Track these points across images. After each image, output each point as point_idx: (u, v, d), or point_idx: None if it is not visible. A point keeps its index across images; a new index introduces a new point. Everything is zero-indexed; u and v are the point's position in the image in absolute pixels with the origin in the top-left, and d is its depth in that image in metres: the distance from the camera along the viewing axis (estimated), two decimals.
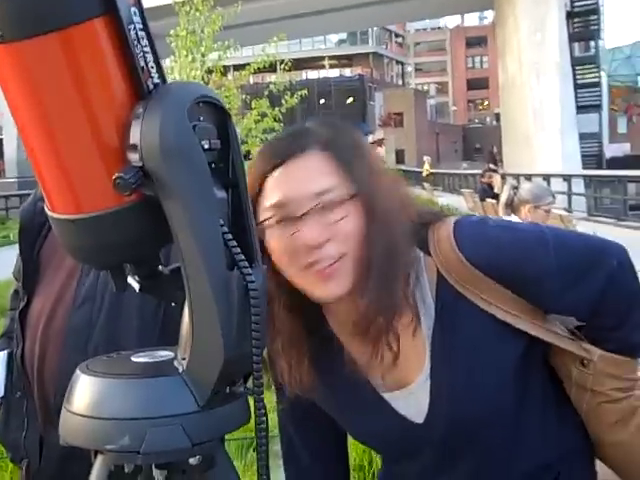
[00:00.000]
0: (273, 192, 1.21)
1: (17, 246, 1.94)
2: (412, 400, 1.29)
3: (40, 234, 1.90)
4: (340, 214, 1.18)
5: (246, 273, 0.92)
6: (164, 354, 1.02)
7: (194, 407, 0.92)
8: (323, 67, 58.30)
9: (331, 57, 59.68)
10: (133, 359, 1.01)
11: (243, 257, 0.93)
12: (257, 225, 1.16)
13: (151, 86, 0.93)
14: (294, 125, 1.33)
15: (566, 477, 1.34)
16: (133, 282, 1.05)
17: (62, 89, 0.91)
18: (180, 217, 0.91)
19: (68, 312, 1.78)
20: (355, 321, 1.25)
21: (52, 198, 0.99)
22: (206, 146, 0.93)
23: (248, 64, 8.85)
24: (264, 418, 0.94)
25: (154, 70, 0.93)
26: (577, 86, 28.60)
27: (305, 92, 8.36)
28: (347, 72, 57.11)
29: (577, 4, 30.19)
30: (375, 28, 56.55)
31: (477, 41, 66.05)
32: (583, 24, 30.83)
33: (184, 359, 0.95)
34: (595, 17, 31.01)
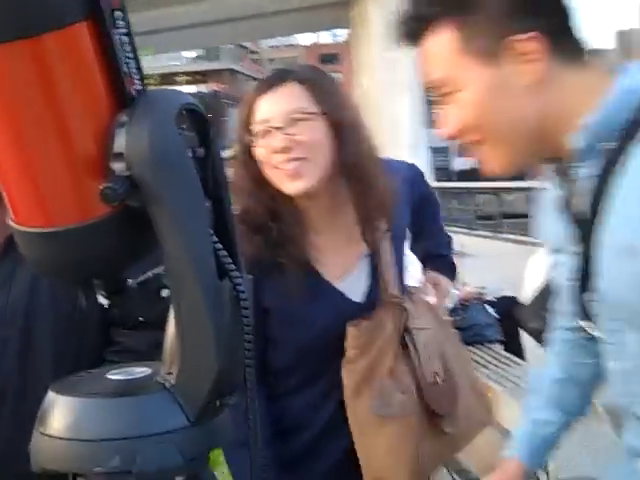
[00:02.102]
0: (260, 111, 1.66)
1: None
2: (354, 284, 1.71)
3: None
4: (302, 128, 1.61)
5: (237, 283, 0.91)
6: (140, 370, 0.99)
7: (184, 423, 0.90)
8: (178, 83, 57.77)
9: (186, 73, 59.22)
10: (110, 377, 0.97)
11: (234, 267, 0.91)
12: (250, 135, 1.65)
13: (134, 93, 0.90)
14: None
15: None
16: (101, 298, 1.01)
17: (38, 97, 0.87)
18: (171, 227, 0.88)
19: None
20: (332, 219, 1.72)
21: (18, 210, 0.94)
22: (191, 155, 0.91)
23: None
24: (256, 430, 0.93)
25: (137, 77, 0.91)
26: (428, 102, 29.58)
27: None
28: (203, 88, 56.81)
29: None
30: (230, 45, 56.61)
31: (330, 58, 67.28)
32: None
33: (170, 374, 0.93)
34: None
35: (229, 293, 0.90)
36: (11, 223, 0.95)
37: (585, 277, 1.28)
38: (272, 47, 68.93)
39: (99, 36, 0.87)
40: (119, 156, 0.88)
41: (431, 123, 28.80)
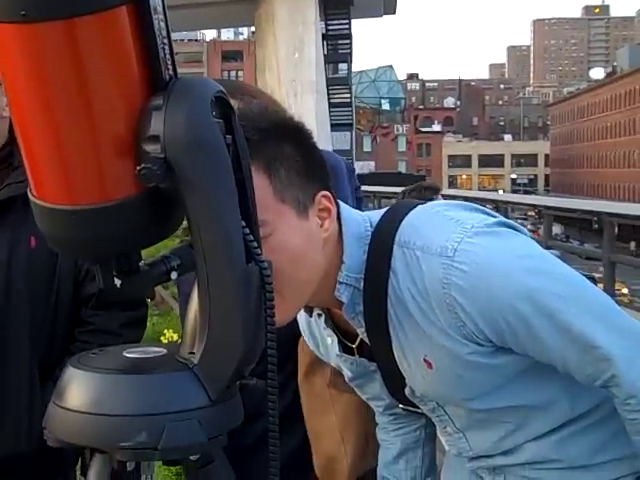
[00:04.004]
0: None
1: None
2: None
3: None
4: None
5: (263, 267, 0.94)
6: (157, 349, 1.00)
7: (207, 401, 0.92)
8: None
9: None
10: (128, 355, 0.98)
11: (260, 251, 0.94)
12: None
13: (167, 78, 0.92)
14: None
15: None
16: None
17: (77, 74, 0.88)
18: (204, 209, 0.91)
19: None
20: None
21: (42, 185, 0.94)
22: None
23: None
24: (275, 411, 0.96)
25: (170, 62, 0.93)
26: (331, 105, 29.87)
27: None
28: None
29: (331, 27, 31.57)
30: None
31: (233, 55, 67.12)
32: (335, 47, 32.29)
33: (192, 353, 0.95)
34: (347, 41, 32.56)
35: (256, 277, 0.93)
36: (32, 198, 0.95)
37: (390, 381, 1.45)
38: (175, 41, 68.15)
39: (139, 20, 0.88)
40: (155, 138, 0.89)
41: (332, 126, 29.18)
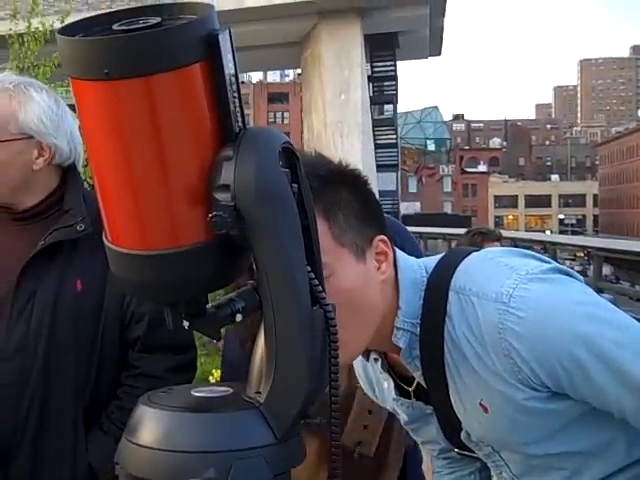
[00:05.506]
0: None
1: None
2: None
3: None
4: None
5: (328, 310, 0.98)
6: (223, 389, 1.04)
7: (273, 439, 0.96)
8: None
9: None
10: (196, 394, 1.02)
11: (325, 295, 0.98)
12: None
13: (237, 129, 0.97)
14: None
15: None
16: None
17: (153, 128, 0.93)
18: (272, 255, 0.95)
19: None
20: None
21: (121, 233, 0.99)
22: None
23: None
24: (339, 450, 0.99)
25: (239, 114, 0.98)
26: (377, 146, 30.06)
27: None
28: None
29: (377, 69, 31.87)
30: None
31: (279, 97, 68.14)
32: (381, 88, 32.57)
33: (258, 393, 0.98)
34: (393, 83, 32.83)
35: (321, 319, 0.97)
36: (107, 243, 1.01)
37: (447, 425, 1.47)
38: None
39: (211, 76, 0.94)
40: (225, 187, 0.94)
41: (378, 167, 29.37)
